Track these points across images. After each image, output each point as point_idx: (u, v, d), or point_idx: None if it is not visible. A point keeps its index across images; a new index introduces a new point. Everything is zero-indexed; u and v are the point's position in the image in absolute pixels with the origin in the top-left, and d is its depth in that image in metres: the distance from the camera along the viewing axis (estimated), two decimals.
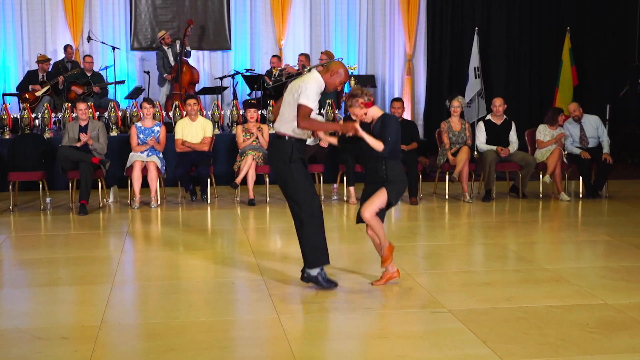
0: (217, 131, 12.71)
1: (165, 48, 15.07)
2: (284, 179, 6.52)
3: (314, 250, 6.52)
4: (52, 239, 9.24)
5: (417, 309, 6.13)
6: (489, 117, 11.93)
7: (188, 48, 14.87)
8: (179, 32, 15.59)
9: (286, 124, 6.46)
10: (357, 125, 6.43)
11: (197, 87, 15.29)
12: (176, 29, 15.85)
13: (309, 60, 14.95)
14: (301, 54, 15.09)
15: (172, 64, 14.92)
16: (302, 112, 6.29)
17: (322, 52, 14.80)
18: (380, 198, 6.55)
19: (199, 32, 16.24)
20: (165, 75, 14.93)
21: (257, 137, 11.54)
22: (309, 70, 13.95)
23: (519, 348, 5.20)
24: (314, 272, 6.58)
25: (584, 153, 11.65)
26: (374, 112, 6.56)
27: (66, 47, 15.12)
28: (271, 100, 13.37)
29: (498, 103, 11.78)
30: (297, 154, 6.47)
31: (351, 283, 6.80)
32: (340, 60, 14.22)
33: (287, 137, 6.48)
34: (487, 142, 11.65)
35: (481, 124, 11.86)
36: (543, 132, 11.93)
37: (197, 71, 15.11)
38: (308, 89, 6.29)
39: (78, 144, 10.94)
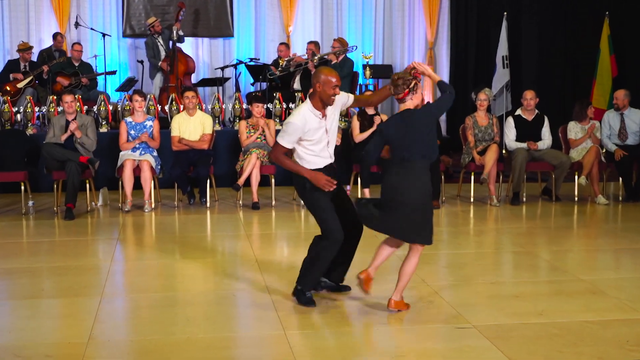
0: (217, 127, 12.72)
1: (156, 36, 15.06)
2: (307, 207, 6.74)
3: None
4: (35, 246, 9.25)
5: (439, 324, 6.12)
6: (519, 112, 11.90)
7: (180, 32, 14.85)
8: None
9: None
10: (332, 185, 6.45)
11: (195, 78, 15.30)
12: (172, 14, 15.87)
13: (319, 49, 14.94)
14: (310, 42, 15.06)
15: (164, 53, 14.90)
16: (276, 149, 6.59)
17: (334, 40, 14.76)
18: None
19: (193, 17, 16.26)
20: (160, 63, 14.91)
21: (262, 134, 11.54)
22: (320, 59, 14.06)
23: None
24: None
25: (618, 151, 11.61)
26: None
27: (56, 35, 15.12)
28: (278, 93, 13.37)
29: (529, 96, 11.73)
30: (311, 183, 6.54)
31: (365, 295, 6.78)
32: (353, 48, 14.22)
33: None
34: (517, 140, 11.63)
35: (510, 120, 11.83)
36: (574, 130, 11.91)
37: (192, 60, 15.09)
38: (287, 129, 6.48)
39: (63, 137, 10.92)
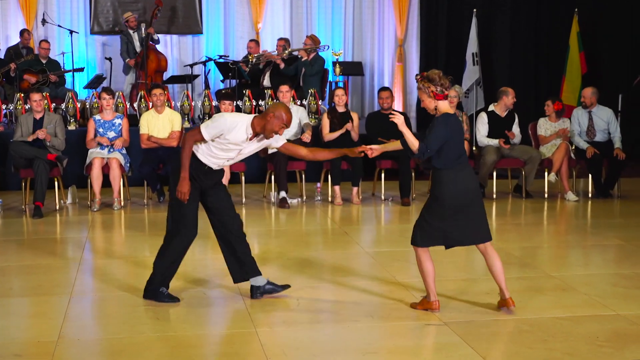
0: (186, 124, 12.68)
1: (131, 32, 15.02)
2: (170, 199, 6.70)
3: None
4: (3, 245, 9.18)
5: (409, 321, 6.14)
6: (492, 108, 11.93)
7: (155, 37, 14.87)
8: (145, 15, 15.55)
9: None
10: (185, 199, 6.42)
11: (165, 76, 15.25)
12: (142, 11, 15.81)
13: (290, 46, 14.93)
14: (280, 39, 15.06)
15: (138, 49, 14.87)
16: (193, 133, 6.38)
17: (307, 37, 14.76)
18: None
19: (169, 15, 16.19)
20: (127, 60, 14.90)
21: None
22: (290, 53, 14.06)
23: None
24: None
25: (590, 149, 11.67)
26: (443, 108, 6.23)
27: (22, 32, 15.00)
28: (247, 90, 13.36)
29: (513, 95, 11.74)
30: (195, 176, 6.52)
31: (335, 293, 6.80)
32: (325, 47, 14.23)
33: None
34: (488, 136, 11.67)
35: (484, 116, 11.86)
36: (544, 127, 11.98)
37: (164, 57, 15.06)
38: (215, 122, 6.33)
39: (30, 138, 10.87)
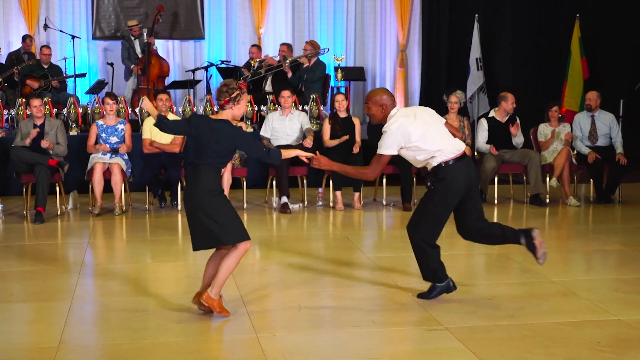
0: None
1: (132, 38, 15.05)
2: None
3: None
4: (4, 251, 9.18)
5: (410, 327, 6.15)
6: (492, 114, 11.93)
7: (155, 47, 14.89)
8: (147, 20, 15.57)
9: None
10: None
11: (167, 81, 15.26)
12: (143, 17, 15.83)
13: (292, 51, 14.95)
14: (283, 44, 15.08)
15: (139, 55, 14.88)
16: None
17: (306, 42, 14.76)
18: None
19: (171, 20, 16.21)
20: (132, 67, 14.92)
21: None
22: (292, 62, 14.06)
23: None
24: None
25: (592, 154, 11.65)
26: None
27: (25, 38, 15.03)
28: (249, 95, 13.35)
29: (513, 100, 11.73)
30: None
31: (337, 298, 6.80)
32: (325, 50, 14.22)
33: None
34: (489, 142, 11.66)
35: (484, 122, 11.87)
36: (544, 132, 11.98)
37: (167, 63, 15.06)
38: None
39: (27, 141, 10.84)
